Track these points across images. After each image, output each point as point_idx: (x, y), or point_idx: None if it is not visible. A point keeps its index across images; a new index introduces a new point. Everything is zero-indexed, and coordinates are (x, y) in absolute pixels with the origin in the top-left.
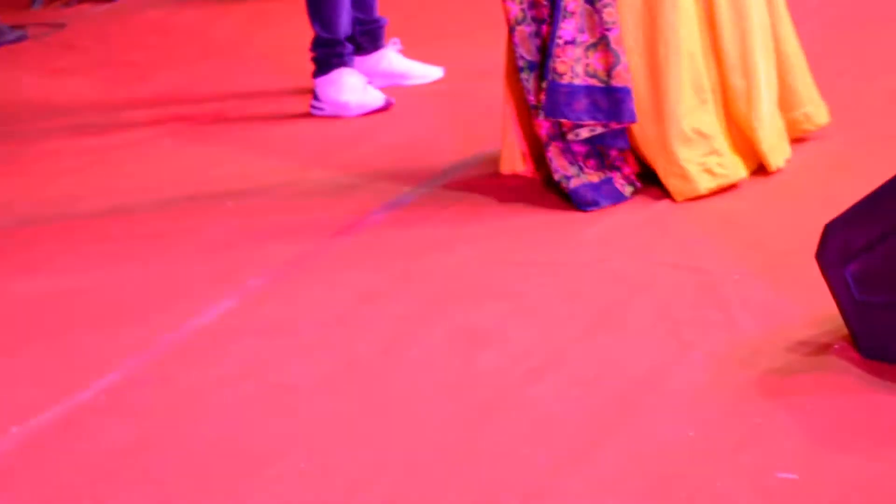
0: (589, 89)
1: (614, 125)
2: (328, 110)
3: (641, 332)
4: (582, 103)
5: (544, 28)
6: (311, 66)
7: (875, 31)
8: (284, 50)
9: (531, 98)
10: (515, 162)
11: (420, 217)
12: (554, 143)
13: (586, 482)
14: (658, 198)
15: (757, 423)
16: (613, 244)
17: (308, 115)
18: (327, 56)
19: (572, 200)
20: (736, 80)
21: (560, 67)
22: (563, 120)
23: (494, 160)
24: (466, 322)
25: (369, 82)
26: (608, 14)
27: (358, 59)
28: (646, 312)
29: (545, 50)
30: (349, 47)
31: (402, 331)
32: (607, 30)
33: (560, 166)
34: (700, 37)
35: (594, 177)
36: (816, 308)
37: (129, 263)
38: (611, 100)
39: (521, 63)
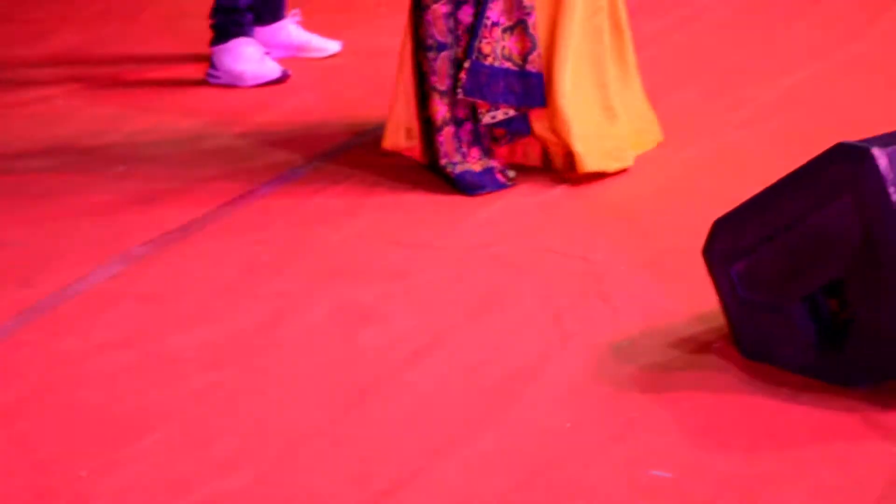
0: (505, 72)
1: (524, 109)
2: (224, 79)
3: (524, 319)
4: (499, 86)
5: (466, 9)
6: (210, 34)
7: (778, 28)
8: (185, 15)
9: (434, 79)
10: (399, 138)
11: (310, 191)
12: (447, 128)
13: (458, 469)
14: (548, 185)
15: (633, 417)
16: (501, 229)
17: (204, 82)
18: (226, 24)
19: (457, 185)
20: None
21: (485, 48)
22: (479, 101)
23: None
24: (350, 300)
25: (267, 53)
26: None
27: (257, 30)
28: (529, 299)
29: (461, 31)
30: (249, 16)
31: (285, 305)
32: (526, 14)
33: (447, 152)
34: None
35: (476, 165)
36: (701, 305)
37: (13, 223)
38: (525, 84)
39: (429, 42)
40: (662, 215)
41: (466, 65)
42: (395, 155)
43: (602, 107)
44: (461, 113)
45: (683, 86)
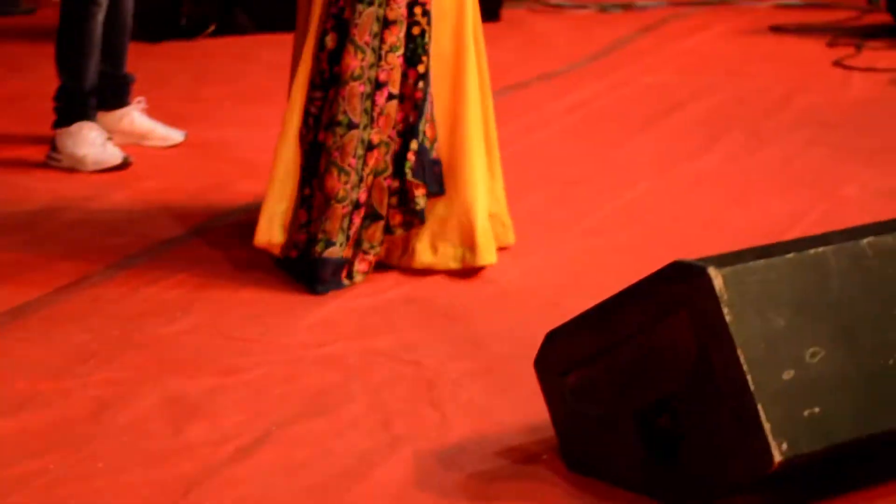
0: (433, 160)
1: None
2: (65, 162)
3: (353, 421)
4: (431, 172)
5: (384, 91)
6: (53, 116)
7: (622, 140)
8: (29, 96)
9: (336, 154)
10: (274, 233)
11: (145, 281)
12: (339, 206)
13: None
14: (385, 287)
15: None
16: (335, 329)
17: (45, 164)
18: (69, 107)
19: (308, 272)
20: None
21: (429, 132)
22: (417, 185)
23: (229, 230)
24: (179, 393)
25: (109, 138)
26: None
27: (101, 114)
28: (359, 402)
29: (375, 113)
30: (93, 100)
31: (113, 395)
32: (432, 104)
33: (329, 229)
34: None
35: (347, 252)
36: (532, 415)
37: None
38: (436, 171)
39: (340, 118)
40: (498, 322)
41: (414, 146)
42: (233, 247)
43: (492, 196)
44: (361, 197)
45: (528, 193)
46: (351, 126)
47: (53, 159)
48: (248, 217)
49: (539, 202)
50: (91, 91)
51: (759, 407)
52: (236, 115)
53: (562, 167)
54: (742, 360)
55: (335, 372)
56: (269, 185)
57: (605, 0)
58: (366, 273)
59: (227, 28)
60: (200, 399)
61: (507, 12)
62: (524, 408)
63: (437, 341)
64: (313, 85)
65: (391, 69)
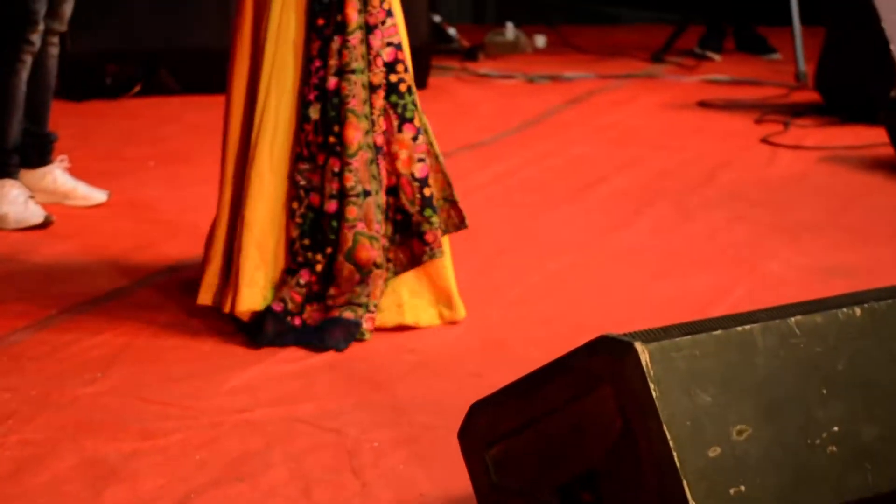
0: None
1: None
2: None
3: (272, 489)
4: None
5: (382, 155)
6: None
7: (547, 211)
8: None
9: (362, 225)
10: (256, 300)
11: (65, 341)
12: (379, 271)
13: None
14: (307, 353)
15: None
16: (257, 395)
17: None
18: None
19: (318, 333)
20: None
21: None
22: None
23: (152, 292)
24: (97, 456)
25: (31, 197)
26: None
27: (23, 172)
28: (279, 470)
29: (383, 177)
30: (15, 158)
31: (30, 456)
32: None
33: (372, 294)
34: None
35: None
36: (454, 487)
37: None
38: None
39: (357, 189)
40: (421, 391)
41: (458, 198)
42: (156, 307)
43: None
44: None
45: (453, 262)
46: (367, 194)
47: None
48: (171, 278)
49: (463, 272)
50: (13, 149)
51: (685, 484)
52: (160, 175)
53: (486, 237)
54: (668, 436)
55: (256, 438)
56: (242, 252)
57: (532, 70)
58: (371, 332)
59: (153, 88)
60: (119, 462)
61: (433, 80)
62: (447, 479)
63: (359, 409)
64: (300, 157)
65: (383, 132)
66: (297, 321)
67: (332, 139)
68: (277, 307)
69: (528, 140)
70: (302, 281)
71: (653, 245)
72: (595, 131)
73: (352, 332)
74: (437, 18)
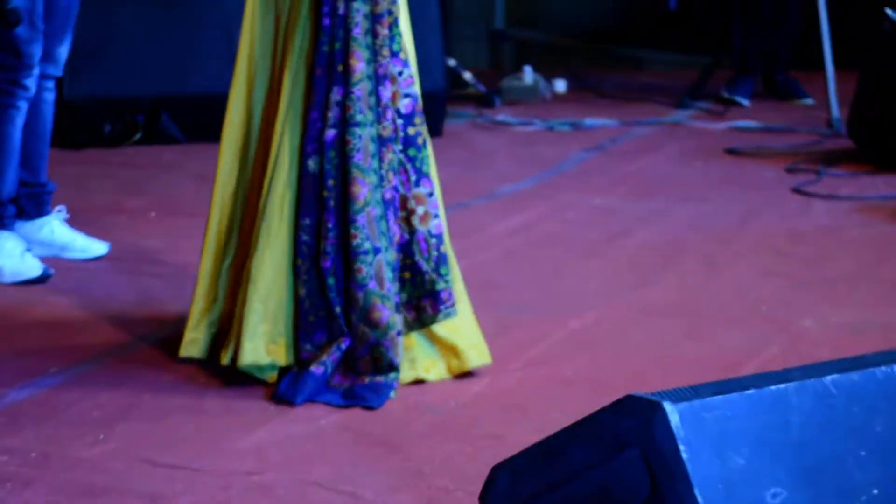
0: None
1: None
2: None
3: None
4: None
5: (401, 215)
6: None
7: (571, 266)
8: None
9: (373, 284)
10: (260, 353)
11: (65, 401)
12: (392, 333)
13: None
14: (319, 413)
15: None
16: (268, 457)
17: None
18: None
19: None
20: None
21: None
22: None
23: (155, 349)
24: None
25: (28, 249)
26: None
27: (19, 224)
28: None
29: (392, 233)
30: (11, 209)
31: None
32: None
33: (396, 353)
34: None
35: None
36: None
37: None
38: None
39: (365, 246)
40: (439, 454)
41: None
42: (162, 365)
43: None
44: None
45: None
46: (376, 252)
47: None
48: (174, 334)
49: (482, 328)
50: (9, 200)
51: None
52: (162, 226)
53: (505, 293)
54: (699, 500)
55: (267, 502)
56: (246, 306)
57: (551, 117)
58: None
59: (153, 136)
60: None
61: (449, 127)
62: None
63: (374, 472)
64: (303, 212)
65: (393, 187)
66: (330, 382)
67: (325, 193)
68: (318, 370)
69: (548, 190)
70: (330, 344)
71: (680, 301)
72: (618, 181)
73: (385, 392)
74: (452, 63)
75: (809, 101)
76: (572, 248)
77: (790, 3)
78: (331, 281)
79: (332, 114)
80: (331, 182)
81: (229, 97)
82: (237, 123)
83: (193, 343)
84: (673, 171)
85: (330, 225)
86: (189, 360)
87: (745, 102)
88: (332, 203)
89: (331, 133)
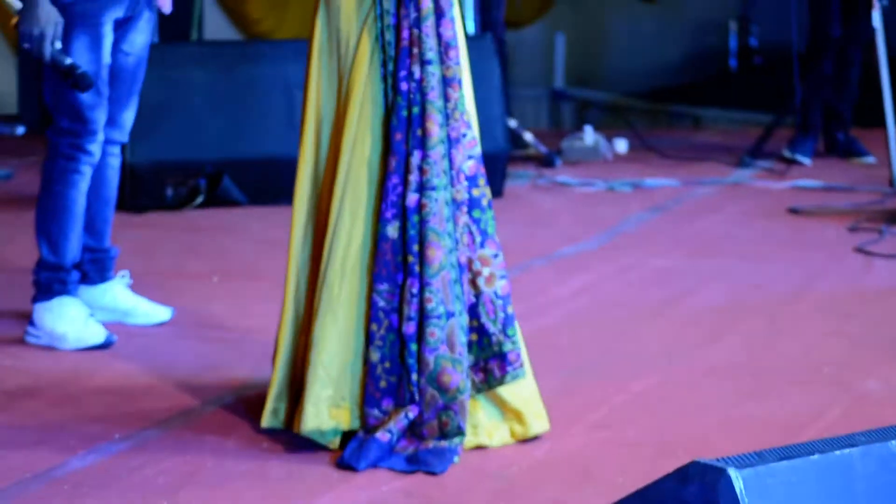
0: None
1: None
2: (44, 339)
3: None
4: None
5: (467, 274)
6: (33, 289)
7: (633, 327)
8: (6, 268)
9: (444, 348)
10: (322, 419)
11: (131, 467)
12: (461, 397)
13: None
14: (382, 480)
15: None
16: None
17: (22, 341)
18: (50, 281)
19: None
20: None
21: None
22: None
23: (219, 416)
24: None
25: (91, 315)
26: None
27: (83, 289)
28: None
29: (467, 297)
30: (75, 275)
31: None
32: None
33: (462, 417)
34: None
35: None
36: None
37: None
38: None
39: (439, 310)
40: None
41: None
42: (230, 429)
43: None
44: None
45: (537, 378)
46: (450, 315)
47: (32, 335)
48: (238, 400)
49: (543, 392)
50: (73, 265)
51: None
52: (225, 290)
53: (567, 355)
54: None
55: None
56: (308, 370)
57: (612, 177)
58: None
59: (216, 200)
60: None
61: (509, 188)
62: None
63: None
64: (379, 277)
65: (466, 249)
66: (395, 448)
67: (410, 258)
68: (383, 437)
69: (610, 251)
70: (398, 411)
71: (743, 363)
72: (679, 241)
73: (449, 457)
74: (512, 123)
75: (871, 160)
76: (634, 310)
77: (852, 60)
78: (413, 347)
79: (413, 178)
80: (415, 247)
81: (298, 160)
82: (306, 188)
83: (275, 413)
84: (734, 231)
85: (415, 290)
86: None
87: (807, 161)
88: (417, 269)
89: (413, 198)
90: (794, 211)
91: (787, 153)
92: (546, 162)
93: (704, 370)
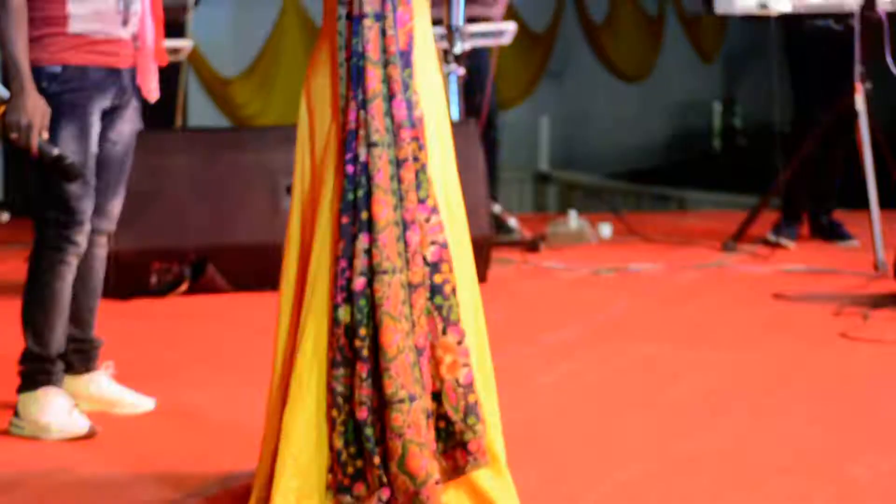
0: None
1: None
2: (28, 430)
3: None
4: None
5: (431, 364)
6: (17, 380)
7: (614, 419)
8: None
9: (409, 433)
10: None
11: None
12: (432, 480)
13: None
14: None
15: None
16: None
17: (6, 432)
18: (34, 372)
19: None
20: None
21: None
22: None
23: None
24: None
25: (76, 405)
26: None
27: (67, 379)
28: None
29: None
30: (59, 365)
31: None
32: None
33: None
34: None
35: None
36: None
37: None
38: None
39: (401, 395)
40: None
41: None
42: None
43: None
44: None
45: (515, 472)
46: (412, 399)
47: (16, 426)
48: (224, 491)
49: (528, 482)
50: (57, 355)
51: None
52: (209, 378)
53: (551, 444)
54: None
55: None
56: (278, 461)
57: (597, 262)
58: None
59: (200, 286)
60: None
61: (493, 273)
62: None
63: None
64: (335, 363)
65: (426, 334)
66: None
67: (357, 343)
68: None
69: (594, 338)
70: (370, 496)
71: (728, 451)
72: (664, 328)
73: None
74: (496, 208)
75: (855, 244)
76: (618, 398)
77: (836, 144)
78: (368, 431)
79: (360, 262)
80: (362, 332)
81: (285, 245)
82: (293, 274)
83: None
84: (719, 317)
85: (364, 375)
86: None
87: (790, 245)
88: (364, 353)
89: (360, 281)
90: (778, 296)
91: (770, 237)
92: (530, 247)
93: (689, 459)
